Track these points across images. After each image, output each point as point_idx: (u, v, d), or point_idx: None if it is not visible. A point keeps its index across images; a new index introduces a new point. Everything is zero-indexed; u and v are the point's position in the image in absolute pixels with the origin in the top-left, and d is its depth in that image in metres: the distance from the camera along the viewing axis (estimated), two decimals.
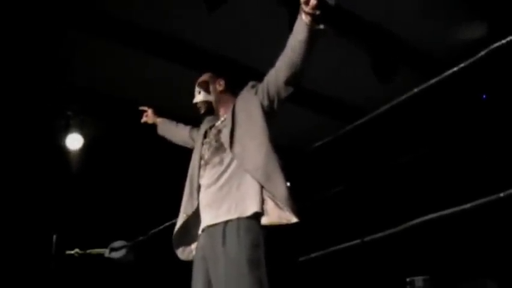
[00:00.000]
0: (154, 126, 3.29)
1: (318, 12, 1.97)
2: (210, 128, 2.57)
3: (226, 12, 4.43)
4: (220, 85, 2.60)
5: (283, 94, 2.30)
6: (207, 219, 2.28)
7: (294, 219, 2.09)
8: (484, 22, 5.10)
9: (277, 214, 2.12)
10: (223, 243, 2.12)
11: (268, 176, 2.15)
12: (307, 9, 1.97)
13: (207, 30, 4.95)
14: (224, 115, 2.52)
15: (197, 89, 2.64)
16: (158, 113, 3.36)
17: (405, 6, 4.90)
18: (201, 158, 2.45)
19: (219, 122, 2.53)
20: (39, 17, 4.53)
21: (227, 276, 2.07)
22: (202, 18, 4.66)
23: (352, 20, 5.04)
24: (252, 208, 2.14)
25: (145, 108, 3.40)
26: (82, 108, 5.64)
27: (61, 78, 5.28)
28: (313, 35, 2.06)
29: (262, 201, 2.15)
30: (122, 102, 5.69)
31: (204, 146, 2.50)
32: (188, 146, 2.89)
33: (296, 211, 2.10)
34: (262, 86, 2.36)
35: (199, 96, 2.61)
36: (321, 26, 2.03)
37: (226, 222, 2.17)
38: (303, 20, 2.04)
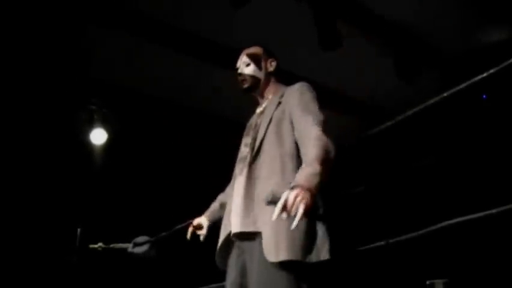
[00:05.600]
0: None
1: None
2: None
3: (250, 10, 4.45)
4: (271, 65, 2.45)
5: None
6: (236, 226, 2.17)
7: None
8: (508, 25, 5.07)
9: None
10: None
11: None
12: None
13: (230, 28, 4.98)
14: (265, 102, 2.41)
15: (245, 59, 2.45)
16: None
17: (429, 6, 4.89)
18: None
19: (260, 109, 2.42)
20: (61, 11, 4.57)
21: (260, 277, 2.01)
22: (225, 16, 4.69)
23: (375, 20, 5.04)
24: None
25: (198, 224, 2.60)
26: (105, 103, 5.69)
27: (84, 73, 5.33)
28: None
29: None
30: (146, 97, 5.74)
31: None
32: None
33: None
34: (295, 127, 2.19)
35: (248, 69, 2.43)
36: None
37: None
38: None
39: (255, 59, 2.44)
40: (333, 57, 4.82)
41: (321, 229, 2.05)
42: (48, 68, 5.18)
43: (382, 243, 2.85)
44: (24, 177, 5.56)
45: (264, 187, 2.10)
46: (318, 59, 4.98)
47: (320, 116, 2.14)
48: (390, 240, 2.80)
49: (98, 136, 5.63)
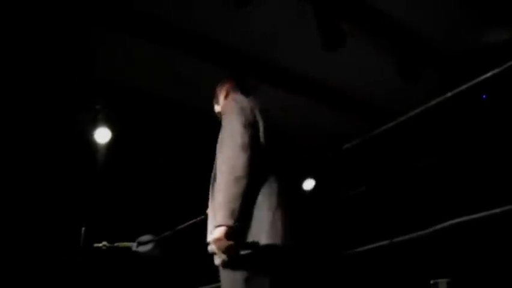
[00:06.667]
0: None
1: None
2: None
3: (251, 9, 4.46)
4: (223, 93, 2.63)
5: None
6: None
7: None
8: (509, 25, 5.06)
9: None
10: None
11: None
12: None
13: (233, 28, 4.98)
14: None
15: (214, 102, 2.69)
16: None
17: (430, 7, 4.89)
18: None
19: None
20: (65, 12, 4.58)
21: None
22: (228, 16, 4.69)
23: (377, 20, 5.04)
24: None
25: None
26: (110, 102, 5.70)
27: (88, 73, 5.34)
28: None
29: None
30: (149, 97, 5.75)
31: None
32: None
33: None
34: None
35: (215, 110, 2.67)
36: None
37: None
38: None
39: (215, 99, 2.66)
40: (334, 57, 4.82)
41: (260, 219, 2.10)
42: (52, 68, 5.20)
43: (386, 242, 2.86)
44: (29, 177, 5.57)
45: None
46: (319, 58, 4.98)
47: (234, 126, 2.19)
48: (394, 240, 2.82)
49: (102, 135, 5.63)
